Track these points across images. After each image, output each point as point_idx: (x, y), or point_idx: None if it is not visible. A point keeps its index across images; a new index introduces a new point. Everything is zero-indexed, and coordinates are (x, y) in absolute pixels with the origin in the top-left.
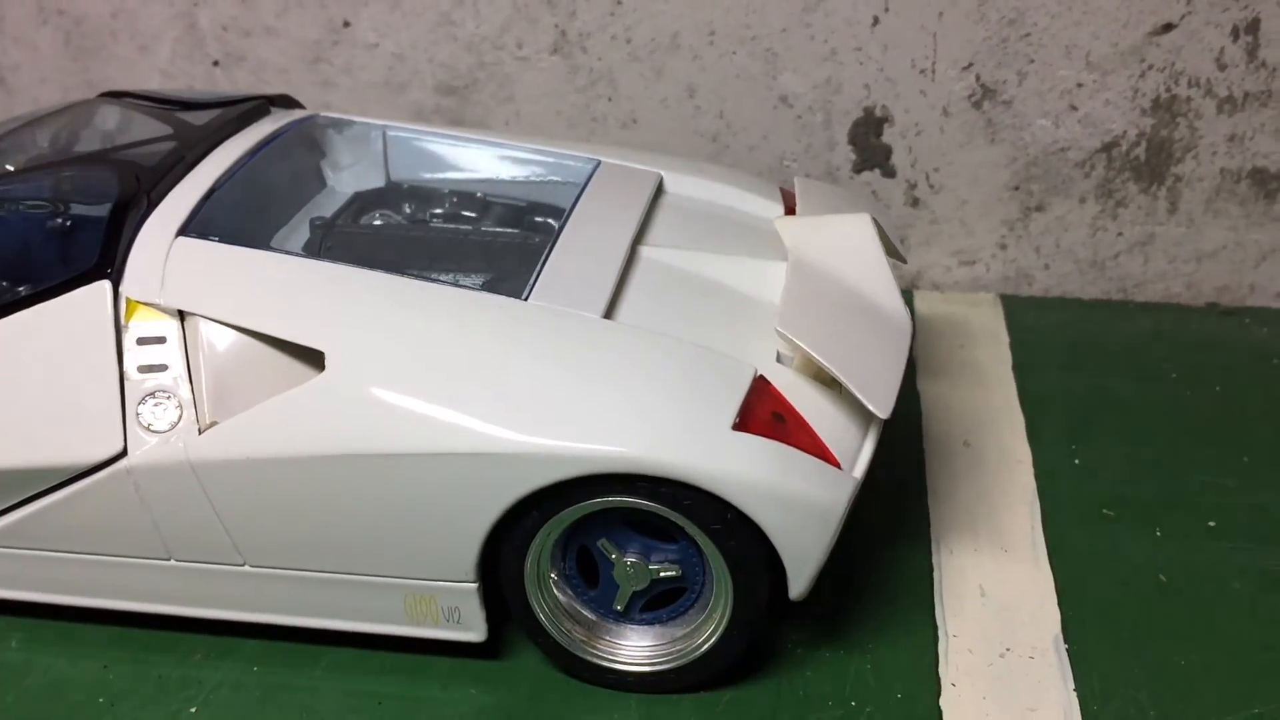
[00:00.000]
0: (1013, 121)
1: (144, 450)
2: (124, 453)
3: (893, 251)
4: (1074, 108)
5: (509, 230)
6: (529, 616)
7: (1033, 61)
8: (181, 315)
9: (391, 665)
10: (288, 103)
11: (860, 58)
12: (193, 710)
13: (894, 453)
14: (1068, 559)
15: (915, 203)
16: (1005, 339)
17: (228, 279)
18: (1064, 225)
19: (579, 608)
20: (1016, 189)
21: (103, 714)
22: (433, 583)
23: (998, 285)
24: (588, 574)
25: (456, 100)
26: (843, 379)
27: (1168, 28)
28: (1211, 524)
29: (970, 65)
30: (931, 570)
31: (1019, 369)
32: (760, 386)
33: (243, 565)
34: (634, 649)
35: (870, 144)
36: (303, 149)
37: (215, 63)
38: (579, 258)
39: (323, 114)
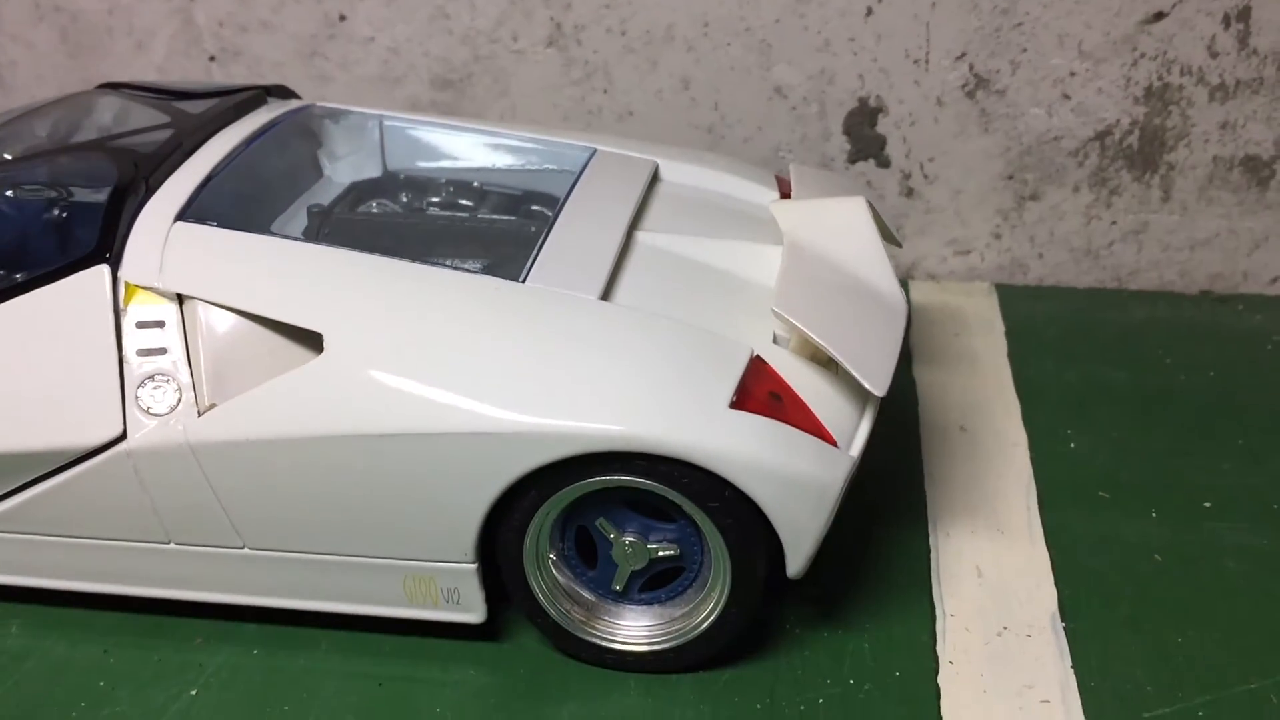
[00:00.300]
0: (1006, 111)
1: (143, 433)
2: (123, 436)
3: (887, 235)
4: (1067, 96)
5: (506, 217)
6: (528, 597)
7: (1025, 51)
8: (180, 299)
9: (391, 648)
10: (284, 93)
11: (854, 48)
12: (193, 693)
13: (890, 438)
14: (1064, 540)
15: (910, 193)
16: (1000, 327)
17: (226, 263)
18: (1058, 214)
19: (577, 588)
20: (1010, 178)
21: (103, 697)
22: (432, 564)
23: (992, 275)
24: (586, 555)
25: (452, 94)
26: (839, 357)
27: (1159, 16)
28: (1207, 505)
29: (963, 55)
30: (929, 552)
31: (1014, 356)
32: (757, 366)
33: (242, 548)
34: (633, 629)
35: (865, 134)
36: (299, 138)
37: (211, 58)
38: (576, 241)
39: (319, 104)
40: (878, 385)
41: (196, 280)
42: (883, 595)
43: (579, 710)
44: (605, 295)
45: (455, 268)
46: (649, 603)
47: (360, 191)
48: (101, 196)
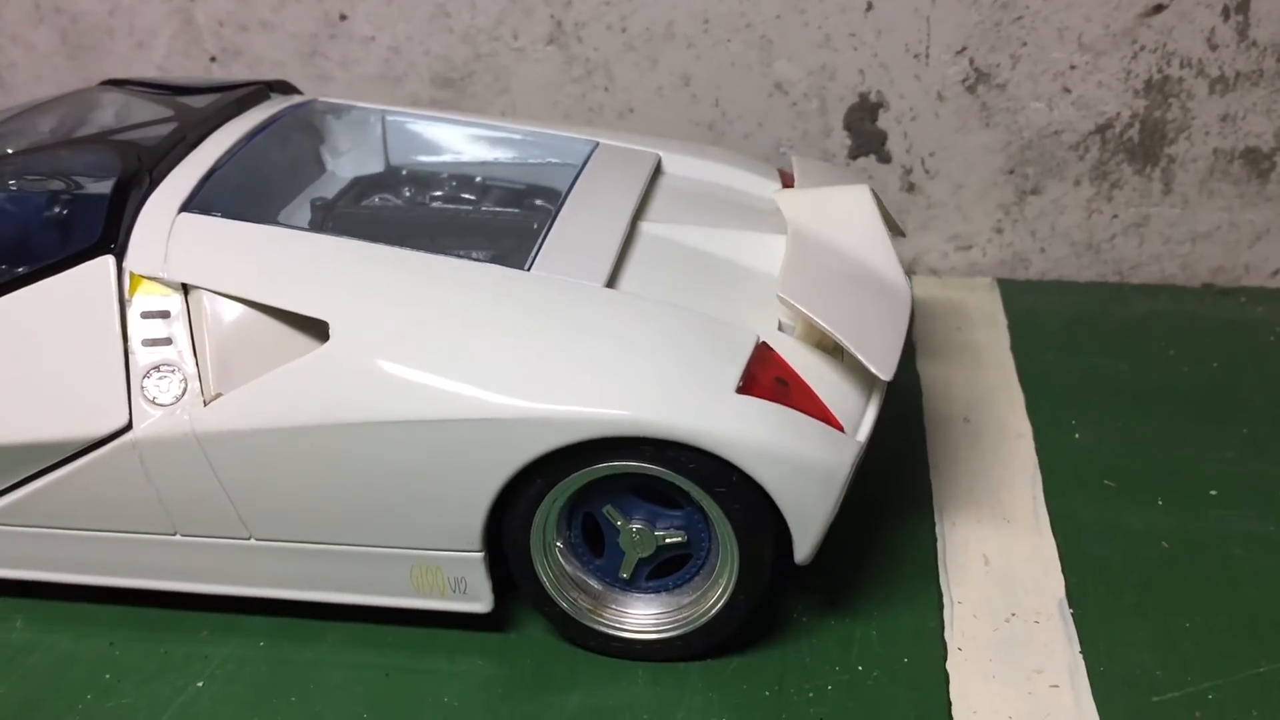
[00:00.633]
0: (1007, 105)
1: (149, 423)
2: (129, 426)
3: (891, 224)
4: (1067, 90)
5: (509, 209)
6: (535, 585)
7: (1025, 44)
8: (185, 289)
9: (398, 639)
10: (286, 88)
11: (854, 43)
12: (200, 685)
13: (895, 430)
14: (1070, 528)
15: (911, 188)
16: (1003, 321)
17: (231, 253)
18: (1059, 208)
19: (585, 576)
20: (1011, 173)
21: (109, 690)
22: (439, 552)
23: (994, 269)
24: (593, 543)
25: (453, 92)
26: (844, 342)
27: (1159, 9)
28: (1213, 493)
29: (964, 49)
30: (935, 541)
31: (1017, 349)
32: (763, 352)
33: (248, 539)
34: (640, 617)
35: (866, 130)
36: (301, 133)
37: (212, 58)
38: (580, 231)
39: (321, 99)
40: (884, 370)
41: (202, 270)
42: (890, 584)
43: (587, 699)
44: (610, 283)
45: (460, 257)
46: (656, 590)
47: (363, 186)
48: (106, 188)
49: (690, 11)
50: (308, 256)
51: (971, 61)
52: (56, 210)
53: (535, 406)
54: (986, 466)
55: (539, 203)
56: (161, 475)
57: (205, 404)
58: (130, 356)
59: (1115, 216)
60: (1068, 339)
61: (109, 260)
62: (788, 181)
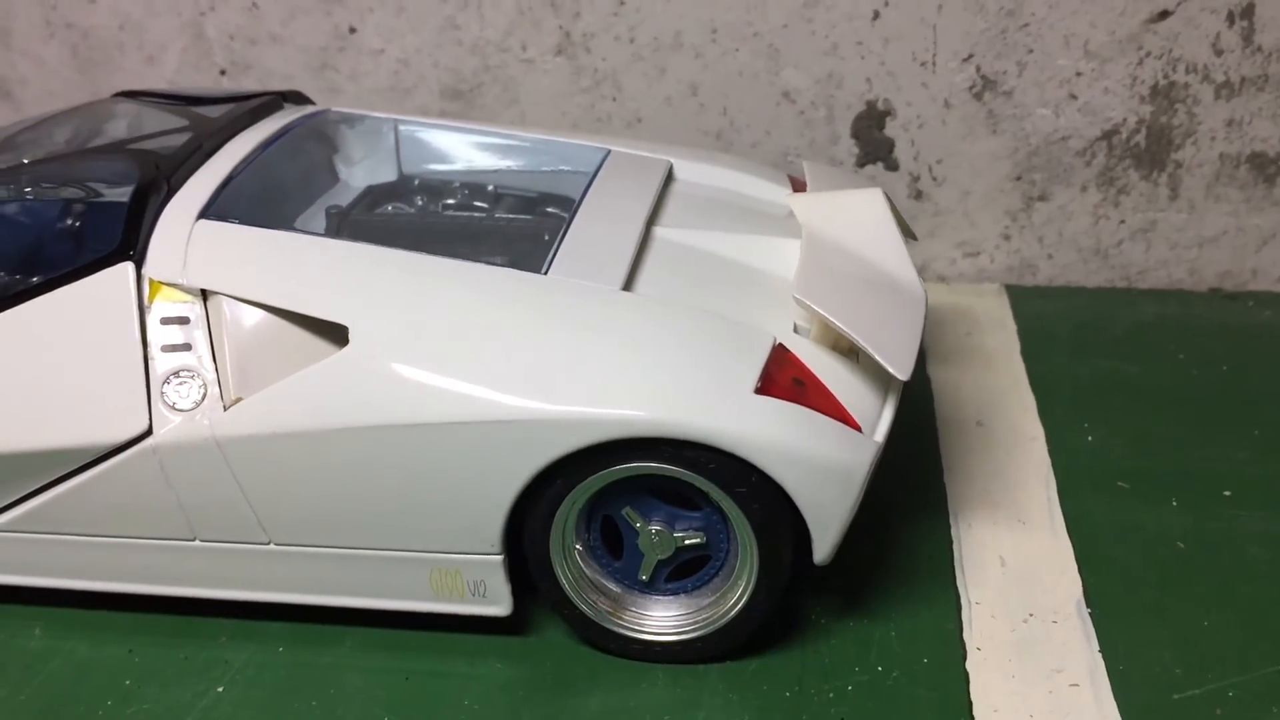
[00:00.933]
0: (1013, 112)
1: (169, 428)
2: (149, 431)
3: (904, 228)
4: (1074, 96)
5: (523, 216)
6: (555, 588)
7: (1032, 51)
8: (204, 295)
9: (416, 643)
10: (298, 98)
11: (861, 51)
12: (220, 690)
13: (908, 434)
14: (1085, 529)
15: (918, 195)
16: (1012, 326)
17: (250, 258)
18: (1066, 214)
19: (603, 579)
20: (1019, 179)
21: (129, 695)
22: (458, 556)
23: (1002, 276)
24: (611, 546)
25: (462, 104)
26: (861, 342)
27: (1164, 15)
28: (1226, 493)
29: (970, 57)
30: (951, 543)
31: (1027, 354)
32: (780, 353)
33: (268, 544)
34: (660, 619)
35: (873, 137)
36: (315, 143)
37: (222, 71)
38: (595, 235)
39: (334, 109)
40: (901, 370)
41: (221, 276)
42: (907, 585)
43: (607, 701)
44: (627, 286)
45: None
46: (675, 593)
47: (376, 195)
48: (124, 195)
49: (698, 21)
50: (326, 261)
51: (978, 69)
52: (75, 218)
53: (556, 408)
54: (1000, 469)
55: (552, 210)
56: (181, 480)
57: (225, 409)
58: (150, 362)
59: (1122, 222)
60: (1077, 343)
61: (128, 267)
62: (798, 187)
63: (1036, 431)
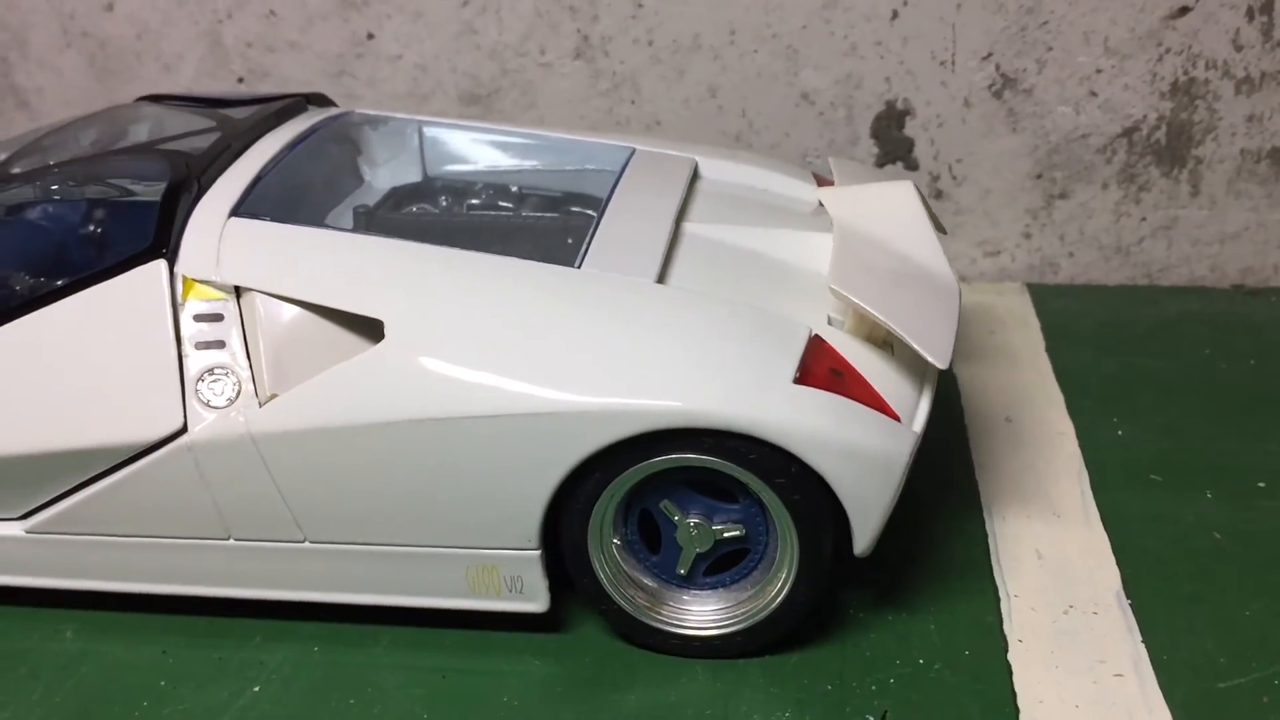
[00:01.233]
0: (1033, 110)
1: (204, 425)
2: (184, 429)
3: (934, 220)
4: (1094, 94)
5: (550, 214)
6: (593, 583)
7: (1051, 49)
8: (237, 292)
9: (452, 641)
10: (322, 101)
11: (880, 51)
12: (256, 689)
13: (937, 431)
14: (1121, 522)
15: (939, 195)
16: (1035, 324)
17: (283, 255)
18: (1087, 212)
19: (641, 574)
20: (1039, 177)
21: (165, 695)
22: (495, 551)
23: (1023, 275)
24: (648, 541)
25: (480, 109)
26: (899, 331)
27: (1184, 11)
28: (1261, 485)
29: (990, 55)
30: (986, 537)
31: (1051, 351)
32: (816, 344)
33: (303, 542)
34: (699, 613)
35: (892, 137)
36: (339, 144)
37: (240, 79)
38: (626, 230)
39: (358, 110)
40: (940, 358)
41: (254, 272)
42: (944, 579)
43: (647, 696)
44: (660, 280)
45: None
46: (714, 586)
47: (400, 196)
48: (156, 194)
49: (716, 23)
50: (360, 257)
51: (998, 67)
52: (106, 217)
53: (596, 400)
54: (1031, 464)
55: (578, 208)
56: (216, 478)
57: (261, 405)
58: (183, 360)
59: (1143, 219)
60: (1102, 340)
61: (161, 265)
62: (823, 184)
63: (1066, 427)
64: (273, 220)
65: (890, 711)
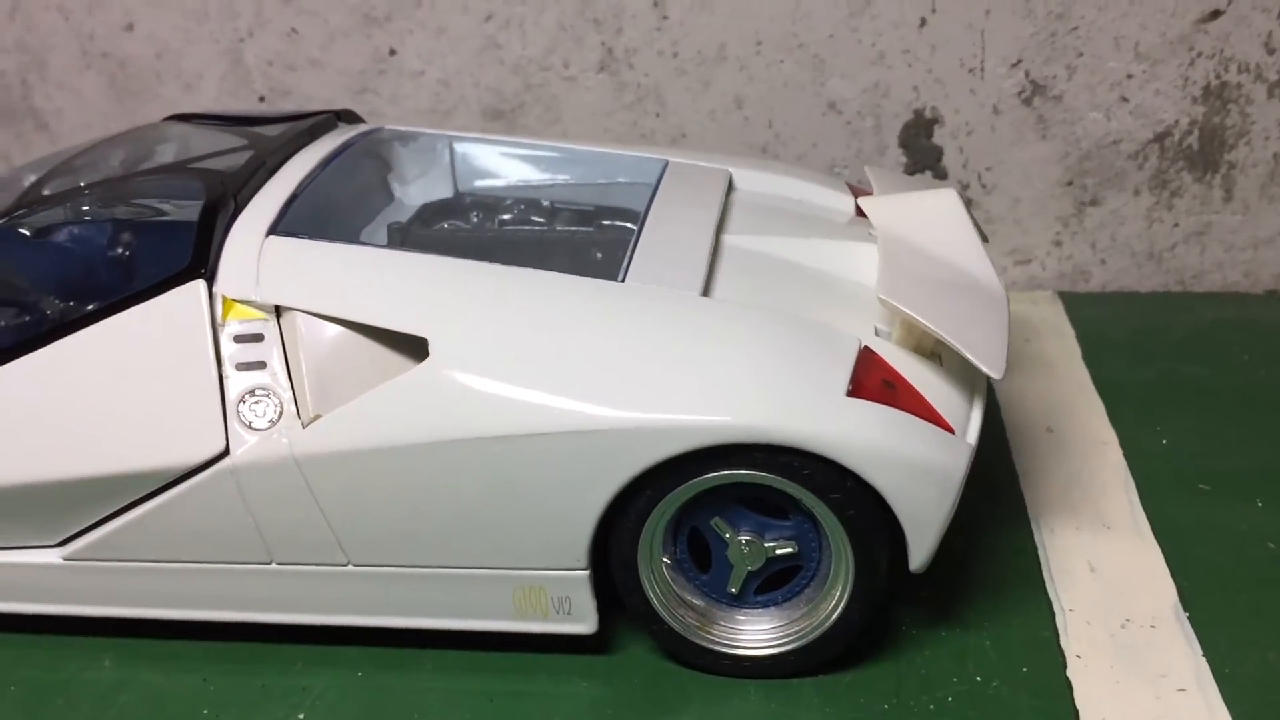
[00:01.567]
0: (1063, 116)
1: (246, 448)
2: (225, 452)
3: (977, 228)
4: (1125, 99)
5: (585, 228)
6: (643, 603)
7: (1081, 55)
8: (278, 311)
9: (498, 664)
10: (352, 118)
11: (908, 59)
12: (300, 716)
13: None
14: (1172, 532)
15: (969, 203)
16: (1070, 332)
17: (324, 273)
18: (1119, 219)
19: (691, 594)
20: (1070, 184)
21: None
22: (543, 572)
23: (1054, 283)
24: (698, 560)
25: (504, 124)
26: (952, 341)
27: (1215, 15)
28: None
29: (1019, 62)
30: (1035, 550)
31: (1088, 359)
32: (867, 355)
33: (346, 565)
34: (752, 632)
35: (921, 146)
36: (371, 161)
37: (261, 98)
38: (667, 242)
39: (388, 127)
40: (994, 368)
41: (295, 291)
42: (996, 594)
43: (699, 718)
44: (704, 293)
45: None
46: (766, 605)
47: (432, 212)
48: (193, 213)
49: (742, 34)
50: (401, 274)
51: (1027, 74)
52: (143, 237)
53: (647, 416)
54: (1076, 474)
55: (613, 222)
56: (259, 501)
57: (304, 426)
58: (224, 381)
59: (1176, 225)
60: (1138, 347)
61: (199, 285)
62: (856, 195)
63: (1109, 436)
64: (311, 239)
65: None
